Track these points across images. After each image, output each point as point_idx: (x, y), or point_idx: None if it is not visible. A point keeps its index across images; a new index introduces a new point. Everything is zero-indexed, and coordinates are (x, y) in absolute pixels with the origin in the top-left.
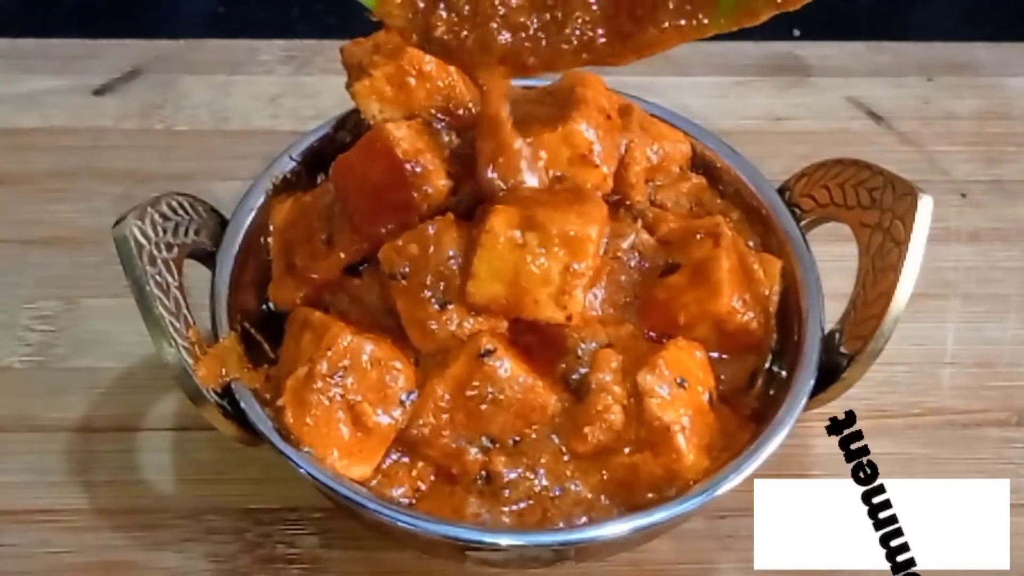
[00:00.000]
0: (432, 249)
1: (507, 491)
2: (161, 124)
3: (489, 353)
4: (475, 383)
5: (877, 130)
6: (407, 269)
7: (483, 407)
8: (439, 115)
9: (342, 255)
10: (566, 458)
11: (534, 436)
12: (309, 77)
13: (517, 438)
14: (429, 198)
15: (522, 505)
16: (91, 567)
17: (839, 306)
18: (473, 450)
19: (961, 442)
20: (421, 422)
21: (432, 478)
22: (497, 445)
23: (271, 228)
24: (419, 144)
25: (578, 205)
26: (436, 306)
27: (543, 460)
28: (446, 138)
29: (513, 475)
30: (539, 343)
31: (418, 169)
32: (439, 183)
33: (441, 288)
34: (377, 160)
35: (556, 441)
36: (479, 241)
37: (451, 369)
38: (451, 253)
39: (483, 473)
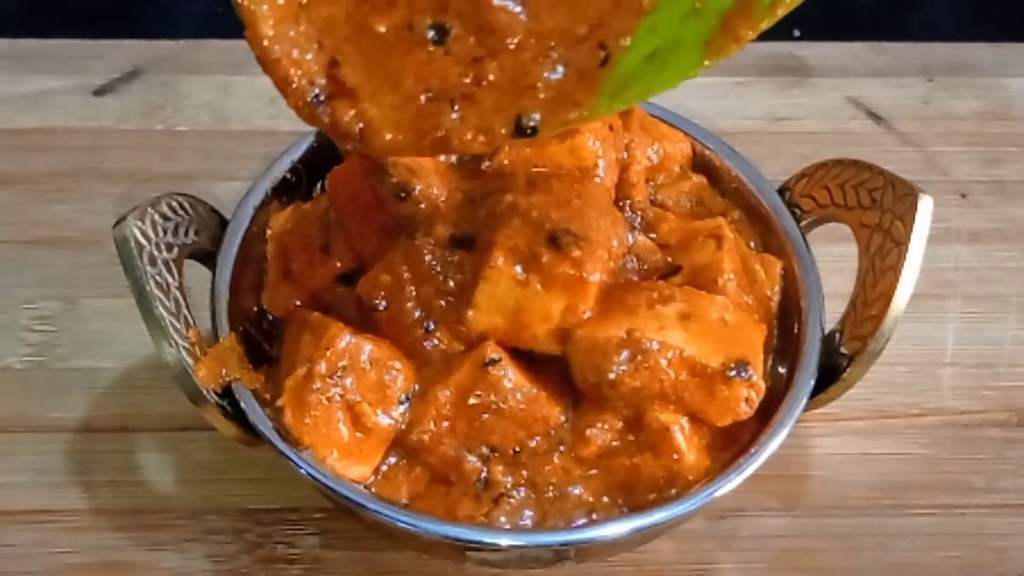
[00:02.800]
0: (407, 276)
1: (505, 498)
2: (161, 124)
3: (494, 362)
4: (478, 392)
5: (877, 130)
6: (384, 302)
7: (485, 416)
8: None
9: (338, 264)
10: (567, 468)
11: (534, 446)
12: None
13: (517, 448)
14: (420, 213)
15: (520, 509)
16: (91, 567)
17: (839, 306)
18: (472, 458)
19: (961, 442)
20: (421, 429)
21: (429, 481)
22: (497, 454)
23: (269, 234)
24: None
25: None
26: (422, 330)
27: (543, 470)
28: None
29: (511, 483)
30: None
31: (413, 190)
32: (433, 199)
33: (423, 313)
34: (367, 176)
35: (558, 452)
36: (482, 275)
37: (454, 376)
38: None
39: (483, 478)
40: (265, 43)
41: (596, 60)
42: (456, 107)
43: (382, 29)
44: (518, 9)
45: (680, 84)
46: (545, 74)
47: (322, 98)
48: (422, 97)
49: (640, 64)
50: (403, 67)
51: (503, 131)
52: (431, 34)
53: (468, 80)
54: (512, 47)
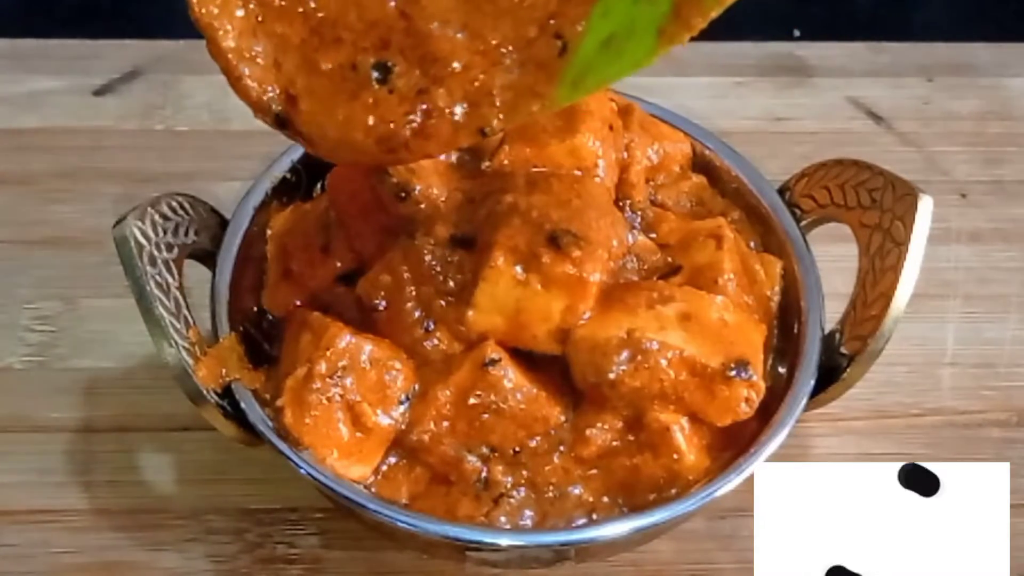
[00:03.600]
0: (407, 276)
1: (505, 498)
2: (161, 124)
3: (494, 362)
4: (478, 392)
5: (877, 130)
6: (384, 302)
7: (485, 416)
8: None
9: (338, 264)
10: (567, 468)
11: (534, 446)
12: None
13: (517, 448)
14: (420, 213)
15: (520, 509)
16: (91, 567)
17: (839, 306)
18: (472, 458)
19: (961, 442)
20: (421, 429)
21: (429, 481)
22: (497, 454)
23: (269, 234)
24: None
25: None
26: (422, 330)
27: (543, 470)
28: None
29: (511, 483)
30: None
31: (413, 190)
32: (433, 199)
33: (423, 313)
34: (367, 176)
35: (558, 452)
36: (482, 275)
37: (454, 377)
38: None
39: (483, 478)
40: (230, 56)
41: (554, 51)
42: (411, 147)
43: (328, 66)
44: (460, 35)
45: (635, 72)
46: (499, 80)
47: (283, 118)
48: (376, 142)
49: (597, 52)
50: (353, 115)
51: (468, 139)
52: (375, 74)
53: (418, 115)
54: (459, 70)
